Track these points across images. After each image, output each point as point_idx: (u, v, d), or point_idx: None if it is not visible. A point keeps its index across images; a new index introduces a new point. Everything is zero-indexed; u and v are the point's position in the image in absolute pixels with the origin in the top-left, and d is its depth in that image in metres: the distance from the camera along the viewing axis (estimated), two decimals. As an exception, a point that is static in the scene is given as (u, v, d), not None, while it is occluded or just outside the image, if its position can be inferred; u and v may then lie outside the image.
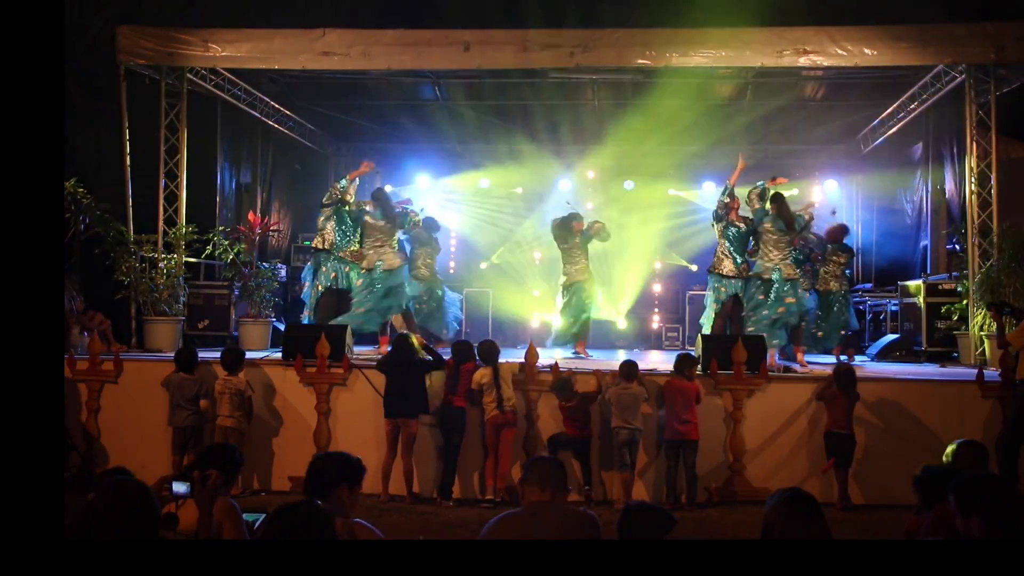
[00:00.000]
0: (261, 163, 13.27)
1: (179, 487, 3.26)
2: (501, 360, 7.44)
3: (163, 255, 10.08)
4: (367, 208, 9.71)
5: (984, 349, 9.08)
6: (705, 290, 9.97)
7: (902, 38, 9.46)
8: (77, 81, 9.92)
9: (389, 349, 7.55)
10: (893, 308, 11.40)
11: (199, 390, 7.46)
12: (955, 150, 10.92)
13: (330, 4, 10.77)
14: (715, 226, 9.64)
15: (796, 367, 8.50)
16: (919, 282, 10.63)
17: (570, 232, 10.21)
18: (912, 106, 11.29)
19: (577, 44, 9.68)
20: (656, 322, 13.39)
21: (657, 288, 13.92)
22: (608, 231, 10.41)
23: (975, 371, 7.64)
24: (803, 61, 9.58)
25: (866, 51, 9.46)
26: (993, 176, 9.58)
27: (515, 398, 7.32)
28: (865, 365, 9.48)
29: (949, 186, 11.31)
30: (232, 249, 10.81)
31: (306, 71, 10.55)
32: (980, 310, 9.14)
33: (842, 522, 6.50)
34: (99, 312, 9.40)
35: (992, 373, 7.66)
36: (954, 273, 10.28)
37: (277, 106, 12.65)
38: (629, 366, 7.32)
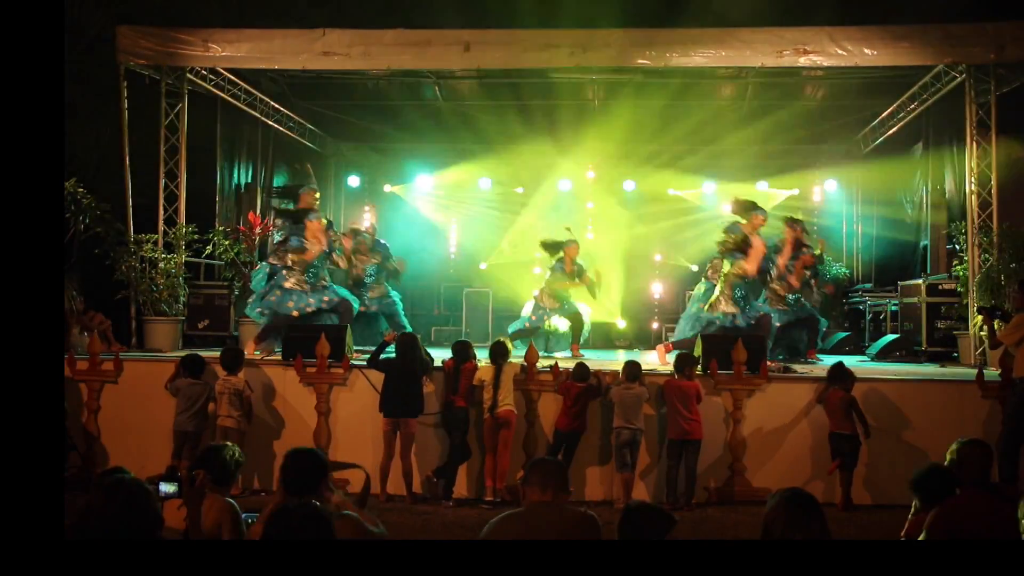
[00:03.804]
0: (261, 163, 13.27)
1: (166, 487, 3.25)
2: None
3: (163, 255, 10.08)
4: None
5: (984, 349, 9.08)
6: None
7: (902, 38, 9.47)
8: (77, 81, 9.92)
9: (394, 347, 7.52)
10: (893, 308, 11.41)
11: (208, 393, 7.44)
12: (955, 150, 10.92)
13: (330, 4, 10.78)
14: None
15: (796, 367, 8.51)
16: (919, 282, 10.64)
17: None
18: (912, 106, 11.29)
19: (577, 44, 9.69)
20: (656, 322, 13.40)
21: (657, 288, 13.93)
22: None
23: (975, 371, 7.64)
24: (803, 61, 9.59)
25: (866, 51, 9.46)
26: (993, 176, 9.58)
27: (511, 398, 7.32)
28: (865, 365, 9.48)
29: (949, 186, 11.31)
30: (232, 249, 10.82)
31: (306, 71, 10.56)
32: (977, 311, 9.14)
33: (842, 522, 6.50)
34: (99, 312, 9.40)
35: (992, 373, 7.66)
36: (954, 273, 10.28)
37: (277, 106, 12.65)
38: (633, 367, 7.32)
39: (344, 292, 9.40)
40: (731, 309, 9.08)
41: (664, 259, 14.19)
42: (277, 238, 9.42)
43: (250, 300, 9.13)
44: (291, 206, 9.62)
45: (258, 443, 7.65)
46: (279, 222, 9.50)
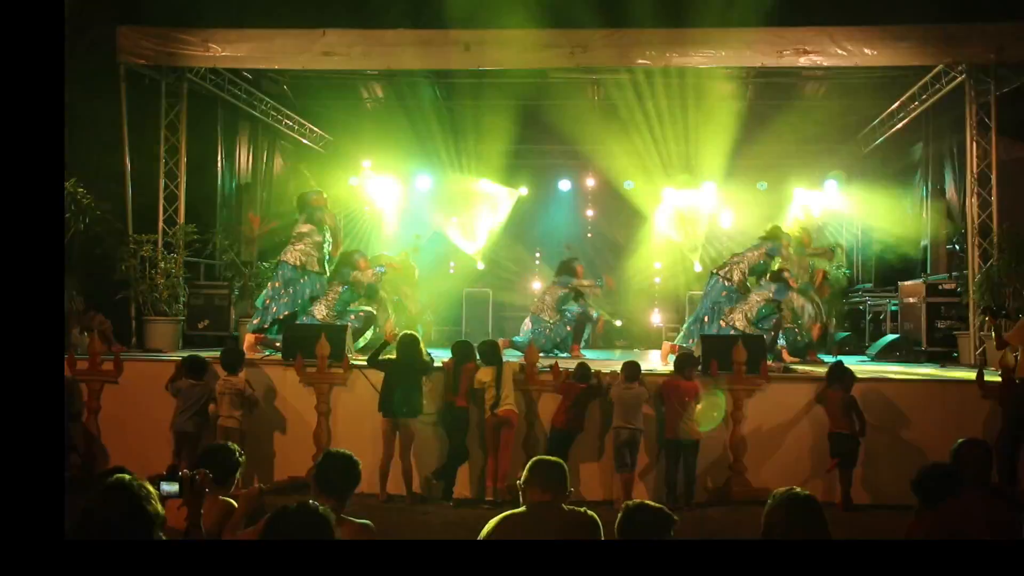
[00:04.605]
0: (261, 163, 13.27)
1: (167, 487, 3.25)
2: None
3: (163, 255, 10.08)
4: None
5: (984, 349, 9.08)
6: (704, 291, 10.04)
7: (902, 38, 9.47)
8: (77, 81, 9.90)
9: (395, 347, 7.53)
10: (893, 308, 11.41)
11: (208, 394, 7.44)
12: (955, 150, 10.92)
13: (330, 4, 10.77)
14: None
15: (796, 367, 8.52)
16: (919, 282, 10.64)
17: (572, 274, 10.83)
18: (912, 106, 11.29)
19: (577, 44, 9.70)
20: (656, 321, 13.40)
21: (658, 288, 13.93)
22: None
23: (975, 371, 7.64)
24: (803, 61, 9.59)
25: (866, 51, 9.47)
26: (993, 176, 9.58)
27: (513, 397, 7.32)
28: (865, 365, 9.48)
29: (949, 186, 11.32)
30: (232, 249, 10.81)
31: (306, 71, 10.56)
32: (980, 312, 9.14)
33: (842, 522, 6.49)
34: (99, 312, 9.39)
35: (992, 373, 7.66)
36: (954, 273, 10.28)
37: (277, 106, 12.66)
38: (632, 367, 7.32)
39: (366, 307, 9.78)
40: (750, 329, 9.11)
41: (664, 259, 14.17)
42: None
43: (266, 307, 9.24)
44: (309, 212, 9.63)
45: (258, 443, 7.66)
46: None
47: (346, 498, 3.60)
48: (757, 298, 9.33)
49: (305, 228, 9.40)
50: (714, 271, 10.15)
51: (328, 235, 9.57)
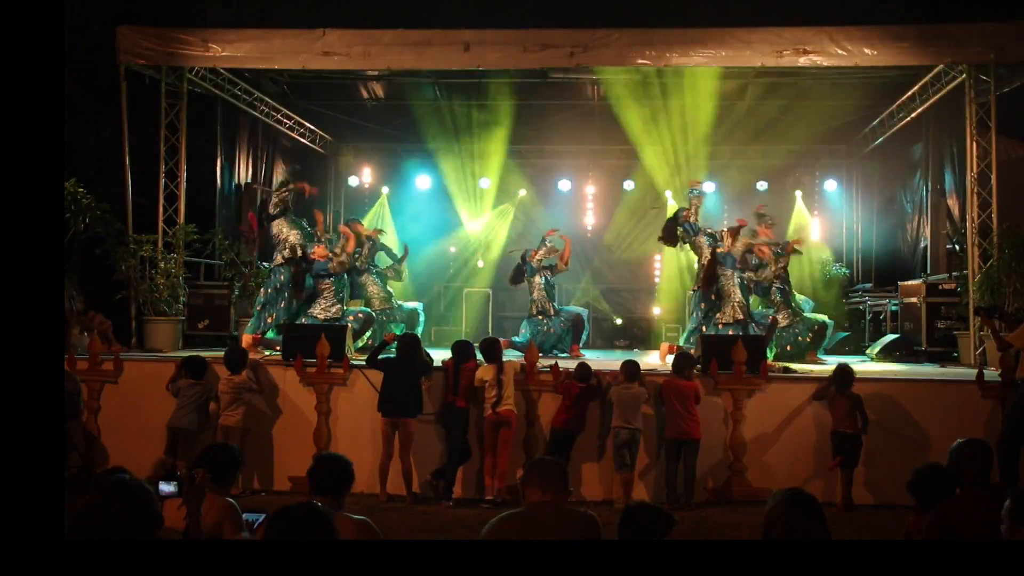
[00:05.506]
0: (261, 163, 13.27)
1: (165, 486, 3.25)
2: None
3: (163, 255, 10.09)
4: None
5: (984, 349, 9.08)
6: (693, 304, 10.06)
7: (902, 38, 9.47)
8: (77, 81, 9.92)
9: (395, 347, 7.54)
10: (893, 308, 11.41)
11: (208, 393, 7.45)
12: (955, 150, 10.92)
13: (330, 4, 10.79)
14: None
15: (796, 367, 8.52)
16: (919, 282, 10.64)
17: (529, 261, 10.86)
18: (912, 106, 11.29)
19: (577, 44, 9.70)
20: (656, 321, 13.39)
21: (657, 287, 13.93)
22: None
23: (975, 371, 7.64)
24: (803, 61, 9.59)
25: (866, 51, 9.47)
26: (993, 176, 9.57)
27: (513, 397, 7.32)
28: (865, 365, 9.48)
29: (949, 186, 11.31)
30: (232, 249, 10.81)
31: (306, 71, 10.57)
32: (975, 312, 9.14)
33: (842, 522, 6.50)
34: (99, 312, 9.40)
35: (992, 373, 7.66)
36: (954, 273, 10.28)
37: (277, 106, 12.66)
38: (632, 366, 7.32)
39: (364, 308, 9.88)
40: (740, 316, 9.09)
41: (664, 258, 14.18)
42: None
43: (260, 312, 9.33)
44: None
45: (258, 443, 7.67)
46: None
47: (341, 497, 3.63)
48: (728, 285, 9.34)
49: (275, 230, 9.54)
50: (693, 288, 10.14)
51: (303, 224, 9.70)
